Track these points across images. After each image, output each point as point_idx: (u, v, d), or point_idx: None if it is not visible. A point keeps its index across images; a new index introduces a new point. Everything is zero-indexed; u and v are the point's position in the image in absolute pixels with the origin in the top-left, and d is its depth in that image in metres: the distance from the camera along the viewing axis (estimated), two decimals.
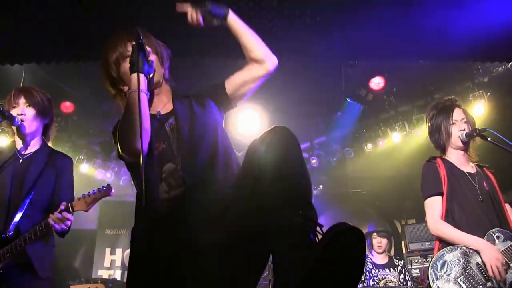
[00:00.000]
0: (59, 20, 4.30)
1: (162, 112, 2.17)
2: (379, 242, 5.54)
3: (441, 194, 3.01)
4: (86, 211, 3.00)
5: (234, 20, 2.17)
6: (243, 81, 2.19)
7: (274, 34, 4.49)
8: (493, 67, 6.00)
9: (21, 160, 3.12)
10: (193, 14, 2.14)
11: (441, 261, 2.86)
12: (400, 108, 7.05)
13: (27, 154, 3.16)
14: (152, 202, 2.04)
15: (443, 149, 3.18)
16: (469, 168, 3.11)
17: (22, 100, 3.11)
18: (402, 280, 5.22)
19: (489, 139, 3.06)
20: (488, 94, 6.14)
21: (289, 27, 4.49)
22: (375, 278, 5.26)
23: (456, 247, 2.87)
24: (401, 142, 7.10)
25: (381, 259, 5.49)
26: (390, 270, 5.34)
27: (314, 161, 7.50)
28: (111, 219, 8.12)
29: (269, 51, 2.16)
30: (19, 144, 3.17)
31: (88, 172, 7.69)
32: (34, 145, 3.20)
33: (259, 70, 2.15)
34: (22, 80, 5.86)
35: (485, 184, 3.03)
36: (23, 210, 2.97)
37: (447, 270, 2.83)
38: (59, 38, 4.52)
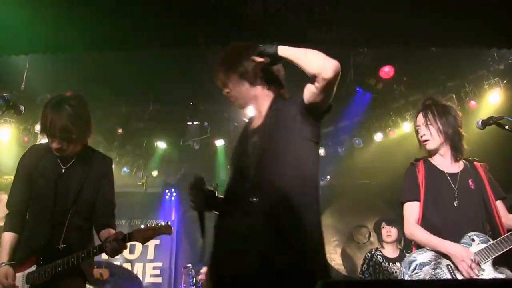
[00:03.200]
0: (66, 9, 4.19)
1: (253, 127, 2.44)
2: (388, 231, 5.44)
3: (417, 200, 3.04)
4: (142, 243, 3.05)
5: (284, 53, 2.29)
6: (313, 93, 2.23)
7: (281, 22, 4.38)
8: (509, 54, 5.76)
9: (63, 170, 3.07)
10: (256, 58, 2.31)
11: (412, 262, 2.93)
12: (410, 97, 6.87)
13: (68, 162, 3.08)
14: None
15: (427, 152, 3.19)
16: (453, 167, 3.08)
17: (57, 141, 2.94)
18: None
19: (506, 127, 2.96)
20: (504, 82, 5.91)
21: (297, 15, 4.36)
22: (385, 271, 5.19)
23: (425, 250, 2.96)
24: (412, 132, 6.87)
25: (392, 253, 5.38)
26: (401, 264, 5.20)
27: (321, 151, 7.39)
28: None
29: (323, 60, 2.19)
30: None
31: None
32: (75, 150, 3.07)
33: (318, 81, 2.18)
34: (25, 71, 5.86)
35: (470, 183, 3.01)
36: (68, 221, 2.99)
37: (416, 271, 2.89)
38: (64, 28, 4.39)
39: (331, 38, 4.66)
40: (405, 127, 6.91)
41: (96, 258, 3.13)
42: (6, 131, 6.58)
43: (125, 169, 8.02)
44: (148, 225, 3.03)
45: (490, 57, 5.94)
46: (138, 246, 7.93)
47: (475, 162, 3.13)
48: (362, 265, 5.42)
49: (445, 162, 3.09)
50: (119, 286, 6.45)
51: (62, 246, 2.95)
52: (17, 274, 2.93)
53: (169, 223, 3.06)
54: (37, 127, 6.45)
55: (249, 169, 2.26)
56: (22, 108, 3.09)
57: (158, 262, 7.98)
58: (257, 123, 2.42)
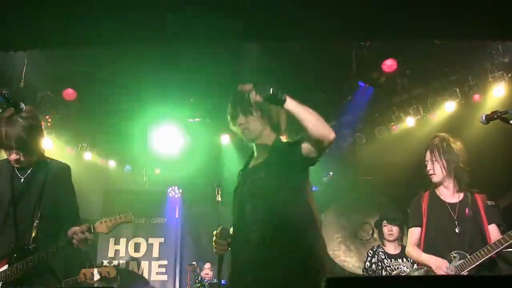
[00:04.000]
0: (63, 4, 4.18)
1: (256, 164, 2.84)
2: (389, 230, 5.41)
3: (419, 226, 3.61)
4: (107, 233, 3.38)
5: (291, 105, 2.52)
6: (311, 150, 2.63)
7: (283, 15, 4.33)
8: None
9: (22, 180, 3.26)
10: (256, 96, 2.49)
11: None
12: (414, 92, 6.81)
13: (27, 171, 3.27)
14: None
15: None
16: (454, 197, 3.56)
17: (14, 152, 3.15)
18: (415, 270, 5.10)
19: (511, 122, 2.89)
20: (509, 75, 5.84)
21: (299, 7, 4.32)
22: (387, 268, 5.19)
23: (423, 266, 3.58)
24: (415, 126, 6.87)
25: (394, 249, 5.37)
26: (403, 260, 5.24)
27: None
28: (114, 208, 7.89)
29: (325, 129, 2.54)
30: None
31: (92, 160, 7.62)
32: (32, 160, 3.29)
33: (318, 144, 2.59)
34: (24, 68, 5.83)
35: (467, 211, 3.46)
36: (35, 224, 3.17)
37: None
38: (62, 24, 4.36)
39: (333, 31, 4.62)
40: (409, 121, 6.85)
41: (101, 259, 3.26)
42: None
43: (127, 167, 8.02)
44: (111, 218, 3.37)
45: (495, 50, 5.87)
46: (143, 244, 8.00)
47: (475, 193, 3.55)
48: (365, 262, 5.44)
49: (447, 193, 3.58)
50: (127, 284, 6.51)
51: (32, 246, 3.13)
52: None
53: (129, 212, 3.48)
54: None
55: (258, 202, 2.65)
56: (23, 105, 3.06)
57: (163, 260, 7.96)
58: (260, 158, 2.82)
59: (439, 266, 3.34)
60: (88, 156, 7.47)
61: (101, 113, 7.18)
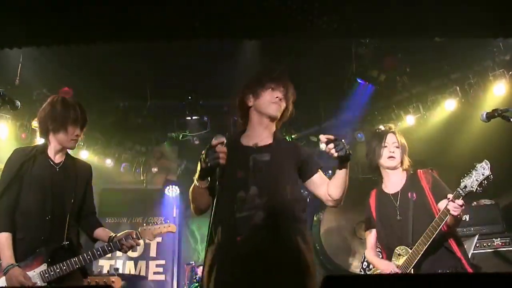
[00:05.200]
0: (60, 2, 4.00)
1: (259, 145, 2.75)
2: None
3: (372, 227, 3.60)
4: (151, 240, 3.47)
5: (345, 170, 2.78)
6: (314, 190, 2.88)
7: (281, 13, 4.31)
8: None
9: (57, 169, 3.28)
10: (332, 150, 2.61)
11: None
12: (414, 90, 6.79)
13: (59, 162, 3.31)
14: (223, 221, 2.56)
15: (375, 169, 3.63)
16: (396, 186, 3.50)
17: (81, 123, 3.29)
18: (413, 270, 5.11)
19: (511, 119, 2.95)
20: (510, 73, 5.78)
21: (298, 4, 4.29)
22: None
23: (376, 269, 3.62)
24: (415, 125, 6.82)
25: None
26: None
27: (322, 146, 7.31)
28: (111, 207, 7.97)
29: (341, 196, 2.84)
30: (51, 151, 3.29)
31: (88, 159, 7.49)
32: (63, 154, 3.35)
33: (324, 199, 2.86)
34: (20, 65, 5.78)
35: (409, 195, 3.38)
36: (67, 220, 3.19)
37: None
38: (59, 21, 4.13)
39: (332, 29, 4.59)
40: (409, 120, 6.81)
41: (94, 264, 3.23)
42: (3, 128, 6.52)
43: (124, 165, 8.00)
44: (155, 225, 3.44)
45: (496, 47, 5.83)
46: (141, 244, 7.96)
47: (418, 171, 3.50)
48: (362, 262, 5.54)
49: (391, 181, 3.55)
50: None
51: (66, 243, 3.14)
52: (29, 273, 3.02)
53: (172, 223, 3.54)
54: (34, 123, 6.41)
55: (260, 184, 2.61)
56: (18, 103, 3.11)
57: (161, 260, 7.99)
58: (262, 142, 2.77)
59: (385, 270, 3.34)
60: (84, 154, 7.41)
61: (98, 111, 7.16)
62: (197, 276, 6.56)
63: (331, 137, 2.65)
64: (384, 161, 3.51)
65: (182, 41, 5.23)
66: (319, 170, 2.95)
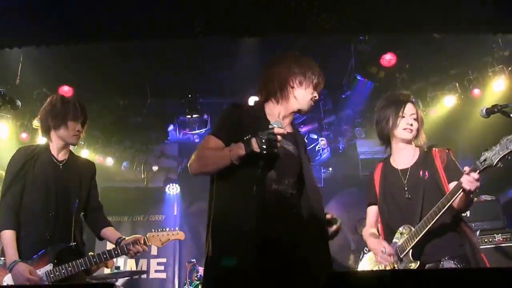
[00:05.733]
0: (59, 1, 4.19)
1: (288, 131, 2.55)
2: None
3: (374, 203, 3.25)
4: (159, 247, 3.50)
5: None
6: None
7: (281, 10, 4.30)
8: None
9: (61, 166, 3.28)
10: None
11: (360, 264, 3.43)
12: (413, 86, 6.77)
13: (63, 160, 3.32)
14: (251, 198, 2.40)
15: (386, 140, 3.25)
16: (407, 162, 3.15)
17: (82, 118, 3.29)
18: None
19: (511, 115, 2.86)
20: (510, 69, 5.81)
21: (297, 2, 4.28)
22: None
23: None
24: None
25: None
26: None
27: (323, 142, 7.35)
28: (112, 206, 7.90)
29: None
30: (54, 148, 3.31)
31: (89, 157, 7.46)
32: (67, 152, 3.36)
33: None
34: (20, 65, 5.81)
35: (421, 174, 3.05)
36: (73, 219, 3.18)
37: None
38: (58, 20, 4.36)
39: (331, 26, 4.59)
40: None
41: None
42: (4, 127, 6.53)
43: (125, 164, 8.02)
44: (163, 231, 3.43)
45: (495, 43, 5.85)
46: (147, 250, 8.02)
47: (433, 150, 3.13)
48: (361, 259, 5.42)
49: (401, 157, 3.18)
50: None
51: (74, 244, 3.15)
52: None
53: (180, 231, 3.52)
54: (35, 123, 6.42)
55: (290, 169, 2.55)
56: (19, 103, 3.11)
57: (162, 258, 7.99)
58: (287, 129, 2.58)
59: (376, 250, 3.06)
60: (85, 153, 7.41)
61: (98, 110, 7.16)
62: (198, 274, 6.56)
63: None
64: (399, 132, 3.13)
65: (181, 39, 5.24)
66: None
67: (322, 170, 7.92)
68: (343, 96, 6.91)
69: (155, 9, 4.31)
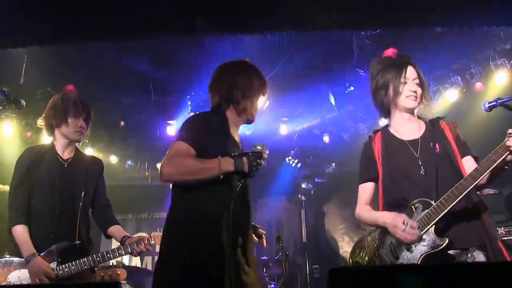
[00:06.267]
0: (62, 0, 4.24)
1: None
2: None
3: (372, 179, 2.86)
4: None
5: None
6: None
7: (282, 6, 4.35)
8: None
9: (66, 165, 3.34)
10: None
11: (359, 246, 2.78)
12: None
13: (68, 159, 3.37)
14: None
15: (386, 111, 2.87)
16: (414, 133, 2.78)
17: (84, 115, 3.34)
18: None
19: None
20: (511, 62, 5.81)
21: None
22: None
23: (376, 230, 2.74)
24: (417, 115, 6.82)
25: None
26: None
27: (326, 138, 7.35)
28: (117, 204, 7.90)
29: None
30: (59, 147, 3.36)
31: (93, 155, 7.57)
32: (72, 150, 3.41)
33: None
34: (24, 65, 5.82)
35: (433, 145, 2.68)
36: (79, 216, 3.22)
37: (362, 255, 2.70)
38: (61, 20, 4.42)
39: (333, 21, 4.60)
40: None
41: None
42: (8, 127, 6.57)
43: (129, 162, 8.05)
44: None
45: (496, 37, 5.84)
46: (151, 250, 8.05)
47: (440, 122, 2.84)
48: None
49: (405, 128, 2.81)
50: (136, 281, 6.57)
51: (78, 242, 3.17)
52: None
53: None
54: (40, 122, 6.46)
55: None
56: (23, 102, 3.14)
57: None
58: None
59: (396, 222, 2.53)
60: (89, 152, 7.43)
61: (102, 109, 7.17)
62: None
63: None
64: (403, 101, 2.77)
65: (183, 37, 5.25)
66: None
67: (326, 166, 7.92)
68: (346, 91, 6.89)
69: (157, 7, 4.33)
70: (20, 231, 3.09)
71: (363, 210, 2.88)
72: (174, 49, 6.00)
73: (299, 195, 7.70)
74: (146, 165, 8.07)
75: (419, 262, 2.42)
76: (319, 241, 7.82)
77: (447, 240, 2.44)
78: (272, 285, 6.32)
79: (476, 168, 2.46)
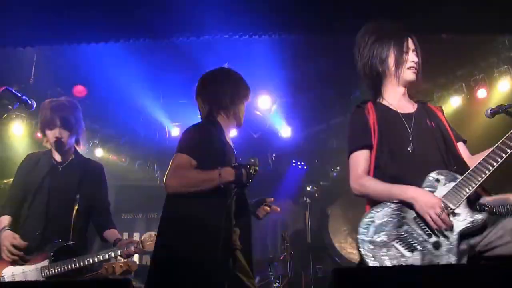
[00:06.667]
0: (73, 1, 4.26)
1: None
2: None
3: (368, 147, 2.50)
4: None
5: None
6: None
7: (292, 10, 4.41)
8: None
9: (60, 169, 3.40)
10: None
11: (370, 224, 2.35)
12: (420, 86, 6.77)
13: (64, 162, 3.44)
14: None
15: (378, 84, 2.65)
16: (408, 108, 2.60)
17: (58, 123, 3.33)
18: None
19: None
20: None
21: (309, 2, 4.39)
22: None
23: (386, 204, 2.35)
24: None
25: None
26: None
27: (331, 142, 7.40)
28: (127, 203, 8.08)
29: None
30: (54, 152, 3.44)
31: (103, 156, 7.68)
32: (69, 154, 3.47)
33: None
34: (34, 64, 5.88)
35: (428, 122, 2.54)
36: (72, 218, 3.25)
37: (378, 234, 2.29)
38: (72, 19, 4.45)
39: (345, 27, 4.64)
40: None
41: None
42: (19, 126, 6.64)
43: (139, 162, 8.07)
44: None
45: (501, 44, 5.87)
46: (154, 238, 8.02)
47: (428, 104, 2.75)
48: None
49: (399, 102, 2.62)
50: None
51: (72, 242, 3.23)
52: (31, 267, 3.17)
53: None
54: None
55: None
56: (34, 102, 3.17)
57: None
58: None
59: (433, 204, 2.23)
60: (99, 152, 7.53)
61: (111, 110, 7.21)
62: None
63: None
64: (404, 72, 2.58)
65: (193, 38, 5.27)
66: None
67: (330, 169, 7.96)
68: (351, 96, 6.92)
69: (169, 9, 4.34)
70: (3, 218, 3.26)
71: (368, 180, 2.47)
72: (183, 50, 6.03)
73: (304, 198, 7.76)
74: (155, 166, 8.09)
75: (457, 238, 2.19)
76: (323, 242, 7.86)
77: (486, 214, 2.22)
78: (277, 284, 6.37)
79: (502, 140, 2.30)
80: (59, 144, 3.36)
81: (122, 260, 4.46)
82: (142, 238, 3.34)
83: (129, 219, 8.12)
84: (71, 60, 5.98)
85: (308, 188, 7.85)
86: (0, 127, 6.66)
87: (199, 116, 2.96)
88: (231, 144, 2.87)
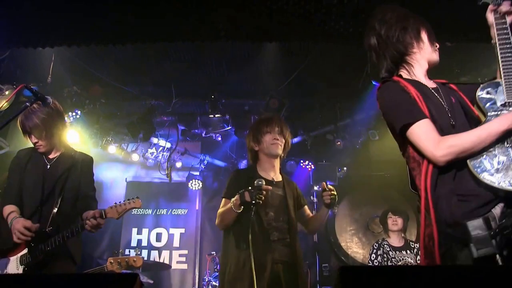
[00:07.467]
0: (90, 2, 4.34)
1: (275, 180, 3.69)
2: (394, 221, 5.64)
3: (421, 118, 2.18)
4: (117, 218, 3.47)
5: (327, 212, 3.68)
6: (298, 218, 3.76)
7: (301, 16, 4.48)
8: None
9: (48, 166, 3.54)
10: (326, 197, 3.63)
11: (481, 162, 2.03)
12: None
13: (53, 158, 3.59)
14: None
15: (402, 58, 2.47)
16: (430, 84, 2.43)
17: (30, 132, 3.46)
18: (419, 261, 5.24)
19: None
20: None
21: (316, 8, 4.45)
22: (392, 259, 5.34)
23: (485, 152, 2.03)
24: None
25: (398, 242, 5.56)
26: (407, 252, 5.42)
27: (339, 143, 7.48)
28: None
29: (316, 229, 3.94)
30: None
31: (116, 153, 7.84)
32: (58, 150, 3.63)
33: (304, 227, 3.88)
34: (52, 64, 6.00)
35: (453, 99, 2.34)
36: (57, 207, 3.37)
37: (494, 165, 2.00)
38: (89, 21, 4.57)
39: (348, 33, 4.76)
40: None
41: (120, 254, 3.47)
42: None
43: (150, 160, 8.18)
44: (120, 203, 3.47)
45: None
46: (164, 234, 8.22)
47: (445, 81, 2.54)
48: (371, 254, 5.56)
49: (425, 78, 2.46)
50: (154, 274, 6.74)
51: (50, 228, 3.29)
52: (11, 258, 3.28)
53: (138, 197, 3.60)
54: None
55: (277, 212, 3.66)
56: (50, 100, 3.24)
57: (184, 250, 8.13)
58: (276, 178, 3.82)
59: None
60: (112, 149, 7.65)
61: (125, 109, 7.43)
62: (218, 266, 6.73)
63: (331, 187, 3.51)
64: (434, 52, 2.50)
65: (206, 42, 5.37)
66: (306, 205, 3.87)
67: (337, 170, 8.04)
68: (358, 100, 7.01)
69: (183, 13, 4.45)
70: (7, 207, 3.37)
71: (452, 137, 2.12)
72: (196, 53, 6.14)
73: (311, 197, 7.91)
74: (166, 163, 8.15)
75: None
76: (330, 241, 7.96)
77: None
78: None
79: None
80: (39, 147, 3.52)
81: (129, 256, 4.61)
82: (106, 208, 3.35)
83: (139, 215, 8.19)
84: (88, 60, 6.15)
85: (315, 188, 7.96)
86: (16, 124, 6.79)
87: None
88: (273, 175, 3.69)
